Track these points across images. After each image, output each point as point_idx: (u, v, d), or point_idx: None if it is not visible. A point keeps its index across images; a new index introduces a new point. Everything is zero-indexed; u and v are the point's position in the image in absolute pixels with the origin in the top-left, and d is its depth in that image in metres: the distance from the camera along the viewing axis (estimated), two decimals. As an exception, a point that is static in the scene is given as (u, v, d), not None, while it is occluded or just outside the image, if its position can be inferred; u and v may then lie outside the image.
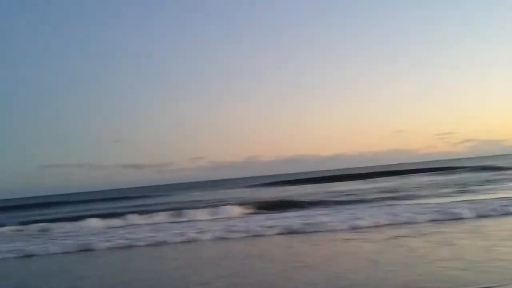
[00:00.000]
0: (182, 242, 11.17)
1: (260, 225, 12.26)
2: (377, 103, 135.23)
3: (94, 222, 16.46)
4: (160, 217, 16.83)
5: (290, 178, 50.54)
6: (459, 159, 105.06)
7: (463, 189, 20.57)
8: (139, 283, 6.98)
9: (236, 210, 17.51)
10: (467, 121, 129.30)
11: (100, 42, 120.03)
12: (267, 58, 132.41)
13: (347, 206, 16.68)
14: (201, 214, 16.67)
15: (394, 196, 19.54)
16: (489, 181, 23.84)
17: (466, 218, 10.92)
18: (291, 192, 29.75)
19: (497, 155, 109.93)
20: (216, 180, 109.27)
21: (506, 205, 11.80)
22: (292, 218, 13.51)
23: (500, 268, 5.93)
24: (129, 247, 11.04)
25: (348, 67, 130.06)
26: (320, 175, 47.21)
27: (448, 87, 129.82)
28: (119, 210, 22.52)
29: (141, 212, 18.18)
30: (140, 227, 14.65)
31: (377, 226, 10.82)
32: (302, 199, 21.14)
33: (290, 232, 11.15)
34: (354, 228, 10.79)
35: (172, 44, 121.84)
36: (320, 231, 10.89)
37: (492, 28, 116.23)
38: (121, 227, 15.11)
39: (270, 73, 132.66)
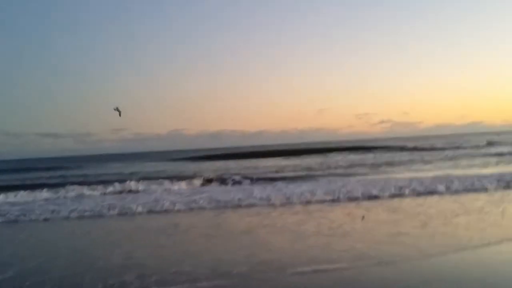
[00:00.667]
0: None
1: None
2: (300, 82, 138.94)
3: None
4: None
5: (215, 153, 50.18)
6: (375, 139, 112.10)
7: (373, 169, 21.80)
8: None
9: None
10: (384, 103, 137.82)
11: None
12: (196, 29, 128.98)
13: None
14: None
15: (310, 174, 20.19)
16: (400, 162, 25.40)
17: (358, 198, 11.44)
18: (215, 167, 29.66)
19: (412, 137, 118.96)
20: (138, 153, 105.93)
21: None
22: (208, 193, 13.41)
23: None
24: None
25: (274, 45, 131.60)
26: (243, 150, 47.42)
27: (366, 69, 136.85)
28: (19, 183, 20.94)
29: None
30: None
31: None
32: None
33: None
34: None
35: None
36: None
37: (409, 11, 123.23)
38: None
39: (198, 46, 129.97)
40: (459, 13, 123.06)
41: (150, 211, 11.08)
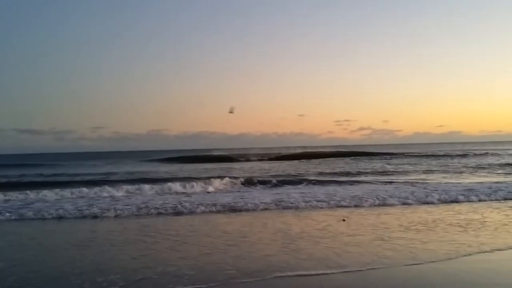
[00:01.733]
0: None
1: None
2: (281, 87, 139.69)
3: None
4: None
5: (195, 154, 49.62)
6: (354, 145, 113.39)
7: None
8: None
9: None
10: (363, 110, 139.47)
11: None
12: (180, 31, 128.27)
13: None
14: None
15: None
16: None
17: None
18: (191, 168, 29.56)
19: (391, 144, 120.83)
20: (118, 152, 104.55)
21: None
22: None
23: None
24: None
25: (256, 50, 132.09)
26: (222, 153, 47.26)
27: (347, 76, 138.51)
28: None
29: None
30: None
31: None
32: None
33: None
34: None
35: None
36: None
37: (390, 22, 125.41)
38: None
39: (180, 47, 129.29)
40: (439, 25, 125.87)
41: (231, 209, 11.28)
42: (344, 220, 9.15)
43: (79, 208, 11.30)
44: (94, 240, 7.83)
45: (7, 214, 10.77)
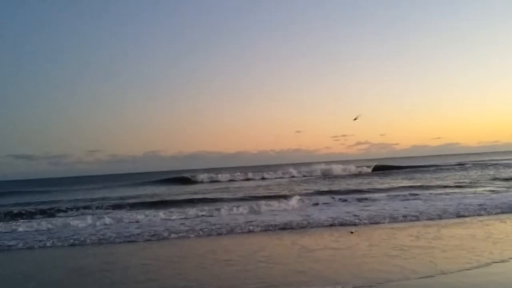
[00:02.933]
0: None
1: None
2: (278, 103, 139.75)
3: None
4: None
5: (191, 174, 48.60)
6: (352, 160, 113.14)
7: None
8: None
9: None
10: (360, 124, 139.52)
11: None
12: (172, 50, 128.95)
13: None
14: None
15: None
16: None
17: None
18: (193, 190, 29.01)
19: (390, 158, 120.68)
20: (114, 175, 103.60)
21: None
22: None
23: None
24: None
25: (252, 67, 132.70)
26: (220, 172, 46.30)
27: (343, 91, 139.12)
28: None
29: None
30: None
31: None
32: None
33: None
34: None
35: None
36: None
37: (385, 34, 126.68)
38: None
39: (174, 67, 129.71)
40: (435, 38, 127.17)
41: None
42: (352, 232, 9.22)
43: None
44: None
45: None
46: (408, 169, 40.64)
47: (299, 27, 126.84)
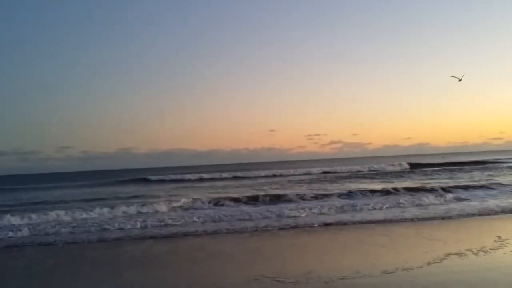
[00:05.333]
0: None
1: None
2: (252, 102, 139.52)
3: None
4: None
5: (162, 173, 47.38)
6: (328, 160, 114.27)
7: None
8: None
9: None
10: (334, 124, 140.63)
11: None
12: (143, 50, 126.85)
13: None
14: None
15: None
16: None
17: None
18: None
19: (362, 157, 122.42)
20: (84, 172, 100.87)
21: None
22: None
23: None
24: None
25: (226, 66, 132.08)
26: (191, 171, 45.37)
27: (316, 90, 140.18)
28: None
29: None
30: None
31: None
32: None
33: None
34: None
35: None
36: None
37: (358, 34, 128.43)
38: None
39: (149, 64, 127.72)
40: (408, 38, 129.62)
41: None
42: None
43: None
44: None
45: None
46: (443, 167, 38.06)
47: (275, 27, 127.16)
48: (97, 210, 14.64)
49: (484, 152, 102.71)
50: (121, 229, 11.53)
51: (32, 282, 6.81)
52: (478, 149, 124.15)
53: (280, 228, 10.66)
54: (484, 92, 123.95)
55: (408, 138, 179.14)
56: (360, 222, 11.03)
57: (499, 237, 8.09)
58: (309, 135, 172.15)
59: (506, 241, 7.68)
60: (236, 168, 59.34)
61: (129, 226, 11.76)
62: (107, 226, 11.78)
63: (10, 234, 11.17)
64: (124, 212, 14.43)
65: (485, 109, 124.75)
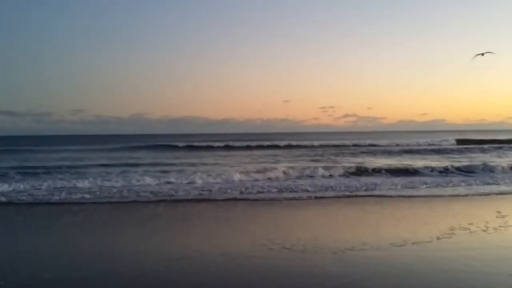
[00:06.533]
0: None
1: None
2: (266, 72, 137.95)
3: None
4: None
5: (180, 141, 45.96)
6: (341, 133, 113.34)
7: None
8: None
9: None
10: (348, 97, 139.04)
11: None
12: (162, 16, 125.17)
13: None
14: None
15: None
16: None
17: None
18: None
19: (376, 132, 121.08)
20: (98, 136, 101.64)
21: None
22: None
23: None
24: None
25: (242, 37, 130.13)
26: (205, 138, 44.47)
27: (331, 63, 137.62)
28: None
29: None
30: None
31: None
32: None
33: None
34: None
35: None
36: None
37: (375, 11, 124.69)
38: None
39: (163, 31, 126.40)
40: (427, 14, 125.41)
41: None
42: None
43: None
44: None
45: None
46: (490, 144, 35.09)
47: (289, 2, 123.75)
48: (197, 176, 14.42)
49: (502, 131, 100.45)
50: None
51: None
52: (495, 127, 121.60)
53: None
54: (503, 69, 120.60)
55: (424, 113, 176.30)
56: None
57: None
58: (323, 107, 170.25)
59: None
60: (256, 138, 58.94)
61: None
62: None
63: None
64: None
65: (504, 87, 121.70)
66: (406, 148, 32.60)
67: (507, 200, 10.44)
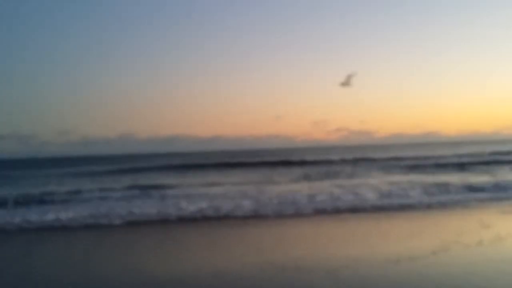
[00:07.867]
0: None
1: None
2: (257, 88, 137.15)
3: None
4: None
5: (167, 161, 44.99)
6: (332, 148, 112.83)
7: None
8: None
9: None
10: (340, 111, 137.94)
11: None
12: (150, 30, 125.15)
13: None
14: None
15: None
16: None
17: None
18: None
19: (368, 145, 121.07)
20: (84, 157, 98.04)
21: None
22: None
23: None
24: None
25: (231, 50, 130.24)
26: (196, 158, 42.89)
27: (323, 77, 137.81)
28: None
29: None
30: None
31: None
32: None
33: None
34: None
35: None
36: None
37: (366, 21, 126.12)
38: None
39: (151, 48, 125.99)
40: (419, 28, 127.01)
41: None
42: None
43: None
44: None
45: None
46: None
47: (285, 13, 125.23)
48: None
49: (497, 141, 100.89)
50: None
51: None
52: (489, 138, 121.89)
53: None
54: (495, 79, 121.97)
55: (417, 126, 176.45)
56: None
57: None
58: (315, 121, 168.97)
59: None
60: (247, 155, 58.61)
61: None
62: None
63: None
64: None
65: (497, 97, 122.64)
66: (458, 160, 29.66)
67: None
